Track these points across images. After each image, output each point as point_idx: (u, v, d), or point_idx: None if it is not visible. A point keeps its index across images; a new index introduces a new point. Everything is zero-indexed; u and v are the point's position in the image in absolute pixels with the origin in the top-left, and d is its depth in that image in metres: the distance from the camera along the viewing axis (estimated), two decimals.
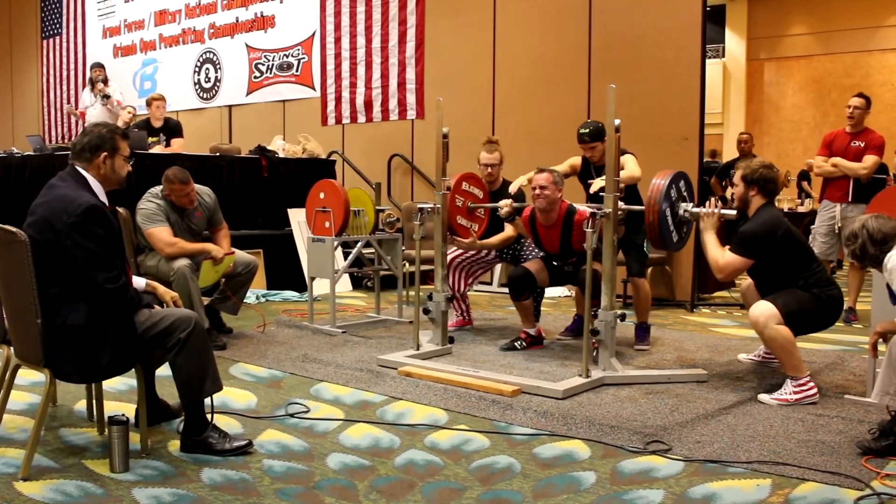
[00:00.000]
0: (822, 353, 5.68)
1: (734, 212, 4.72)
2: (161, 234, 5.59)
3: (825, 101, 17.30)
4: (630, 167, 5.44)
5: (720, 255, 4.63)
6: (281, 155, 9.29)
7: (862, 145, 7.08)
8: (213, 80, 12.71)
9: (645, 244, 5.80)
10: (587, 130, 5.60)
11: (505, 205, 5.67)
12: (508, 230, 5.96)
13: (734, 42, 18.33)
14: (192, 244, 5.67)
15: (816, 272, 4.58)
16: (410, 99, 10.07)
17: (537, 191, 5.29)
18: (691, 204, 4.84)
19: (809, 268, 4.57)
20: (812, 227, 7.55)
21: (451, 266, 6.19)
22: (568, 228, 5.33)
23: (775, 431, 3.88)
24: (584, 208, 5.22)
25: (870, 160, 7.02)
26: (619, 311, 4.82)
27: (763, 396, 4.46)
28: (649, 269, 7.70)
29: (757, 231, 4.58)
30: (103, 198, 3.48)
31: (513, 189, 5.74)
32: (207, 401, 3.56)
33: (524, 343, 5.65)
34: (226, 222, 6.18)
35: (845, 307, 7.11)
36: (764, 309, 4.43)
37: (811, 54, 17.54)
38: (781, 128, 17.29)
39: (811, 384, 4.43)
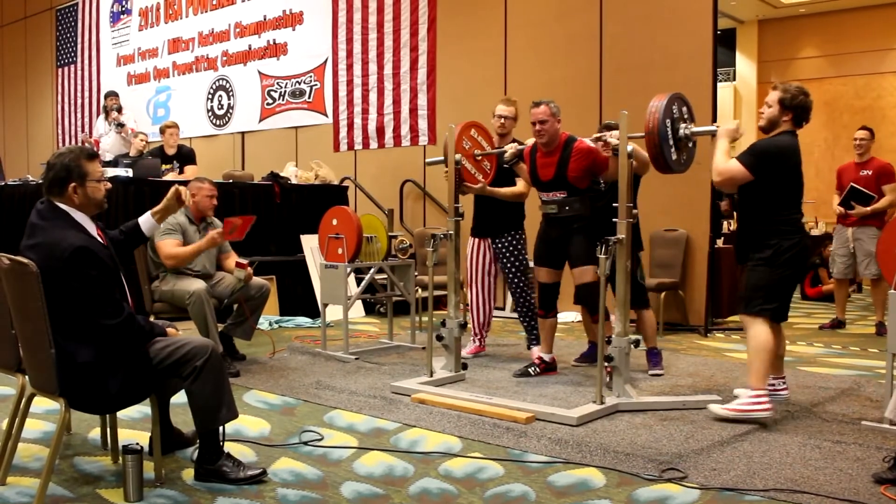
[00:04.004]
0: (837, 379, 5.64)
1: (737, 122, 4.70)
2: (166, 247, 5.66)
3: (836, 124, 17.26)
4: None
5: (724, 160, 4.57)
6: (293, 181, 9.32)
7: (870, 173, 7.73)
8: (225, 107, 12.80)
9: (638, 272, 5.71)
10: (607, 122, 5.76)
11: (509, 147, 5.71)
12: (520, 185, 6.00)
13: (745, 65, 18.37)
14: (189, 248, 5.70)
15: (794, 217, 4.55)
16: (422, 125, 10.11)
17: (537, 126, 5.35)
18: (693, 124, 4.77)
19: (791, 210, 4.53)
20: (830, 249, 8.25)
21: (474, 285, 6.28)
22: (566, 155, 5.34)
23: (792, 459, 3.85)
24: (584, 139, 5.31)
25: (889, 188, 7.70)
26: (634, 338, 4.78)
27: (714, 406, 4.54)
28: (662, 294, 7.68)
29: (769, 148, 4.55)
30: (89, 226, 3.46)
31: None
32: (221, 429, 3.56)
33: (538, 369, 5.62)
34: (237, 249, 6.29)
35: (876, 321, 7.81)
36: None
37: (822, 77, 17.53)
38: None
39: (765, 402, 4.43)
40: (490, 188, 5.98)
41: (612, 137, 4.98)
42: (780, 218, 4.52)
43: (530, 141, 5.71)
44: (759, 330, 4.49)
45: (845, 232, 7.93)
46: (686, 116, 4.80)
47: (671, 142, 4.67)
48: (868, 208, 7.70)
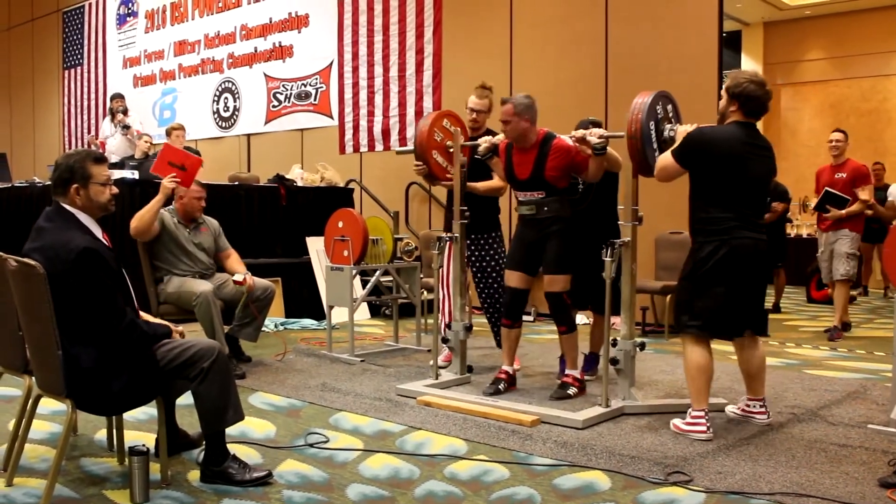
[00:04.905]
0: (843, 382, 5.63)
1: (695, 125, 4.37)
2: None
3: (842, 126, 17.04)
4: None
5: (664, 155, 4.33)
6: (299, 183, 9.34)
7: (845, 175, 7.74)
8: (231, 109, 12.83)
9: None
10: (594, 118, 5.42)
11: (483, 141, 5.39)
12: (497, 180, 5.63)
13: (750, 67, 18.31)
14: (147, 206, 5.71)
15: (722, 217, 4.18)
16: None
17: (502, 126, 5.05)
18: (679, 124, 4.53)
19: (721, 209, 4.19)
20: (817, 255, 8.17)
21: (445, 282, 5.97)
22: (543, 153, 4.99)
23: (798, 462, 3.84)
24: (564, 137, 5.02)
25: (865, 192, 7.66)
26: (639, 340, 4.78)
27: (673, 420, 4.43)
28: (668, 297, 7.66)
29: (695, 137, 4.23)
30: (95, 228, 3.47)
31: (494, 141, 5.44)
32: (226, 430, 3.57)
33: (505, 384, 5.23)
34: (243, 251, 6.26)
35: (833, 324, 7.69)
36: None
37: (828, 79, 17.49)
38: (799, 153, 17.21)
39: (702, 423, 4.24)
40: (473, 184, 5.69)
41: (593, 136, 4.75)
42: (706, 216, 4.24)
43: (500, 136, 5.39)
44: (688, 350, 4.32)
45: (823, 237, 7.92)
46: (671, 116, 4.64)
47: (655, 144, 4.49)
48: (843, 212, 7.59)
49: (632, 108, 4.48)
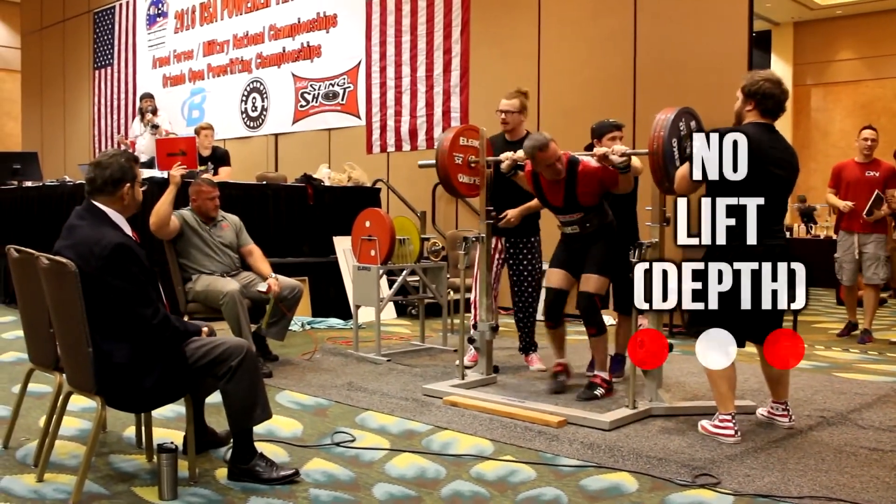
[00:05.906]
0: (874, 385, 5.57)
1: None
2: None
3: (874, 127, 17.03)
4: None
5: (683, 166, 4.27)
6: (326, 183, 9.36)
7: (877, 175, 7.55)
8: (259, 108, 12.89)
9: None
10: (615, 121, 5.39)
11: (506, 157, 5.28)
12: (533, 202, 5.53)
13: (780, 67, 18.17)
14: (162, 198, 5.72)
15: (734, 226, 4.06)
16: None
17: (558, 165, 4.94)
18: None
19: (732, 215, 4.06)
20: (836, 256, 7.84)
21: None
22: (572, 179, 4.97)
23: (827, 466, 3.81)
24: (587, 159, 4.99)
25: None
26: (668, 341, 4.74)
27: (700, 422, 4.37)
28: None
29: None
30: (126, 228, 3.50)
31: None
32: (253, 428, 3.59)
33: (566, 376, 5.29)
34: (270, 250, 6.26)
35: (862, 328, 7.59)
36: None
37: (859, 79, 17.34)
38: (829, 153, 17.05)
39: (730, 425, 4.18)
40: (522, 209, 5.63)
41: (615, 154, 4.67)
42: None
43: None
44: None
45: (851, 238, 7.62)
46: (694, 132, 4.51)
47: (678, 163, 4.43)
48: (882, 211, 7.43)
49: (654, 124, 4.45)
